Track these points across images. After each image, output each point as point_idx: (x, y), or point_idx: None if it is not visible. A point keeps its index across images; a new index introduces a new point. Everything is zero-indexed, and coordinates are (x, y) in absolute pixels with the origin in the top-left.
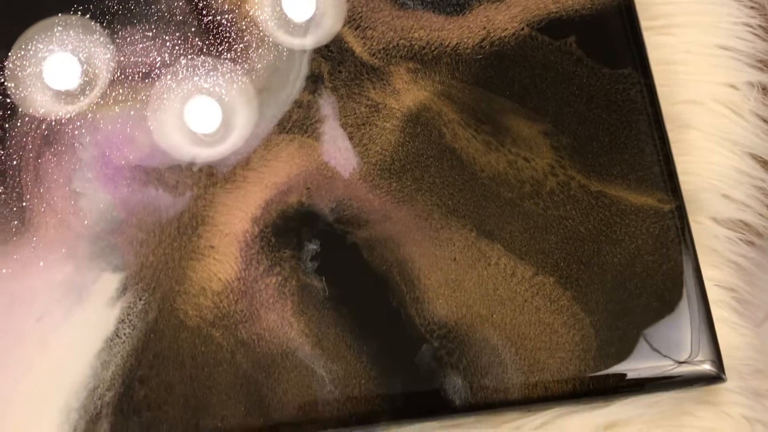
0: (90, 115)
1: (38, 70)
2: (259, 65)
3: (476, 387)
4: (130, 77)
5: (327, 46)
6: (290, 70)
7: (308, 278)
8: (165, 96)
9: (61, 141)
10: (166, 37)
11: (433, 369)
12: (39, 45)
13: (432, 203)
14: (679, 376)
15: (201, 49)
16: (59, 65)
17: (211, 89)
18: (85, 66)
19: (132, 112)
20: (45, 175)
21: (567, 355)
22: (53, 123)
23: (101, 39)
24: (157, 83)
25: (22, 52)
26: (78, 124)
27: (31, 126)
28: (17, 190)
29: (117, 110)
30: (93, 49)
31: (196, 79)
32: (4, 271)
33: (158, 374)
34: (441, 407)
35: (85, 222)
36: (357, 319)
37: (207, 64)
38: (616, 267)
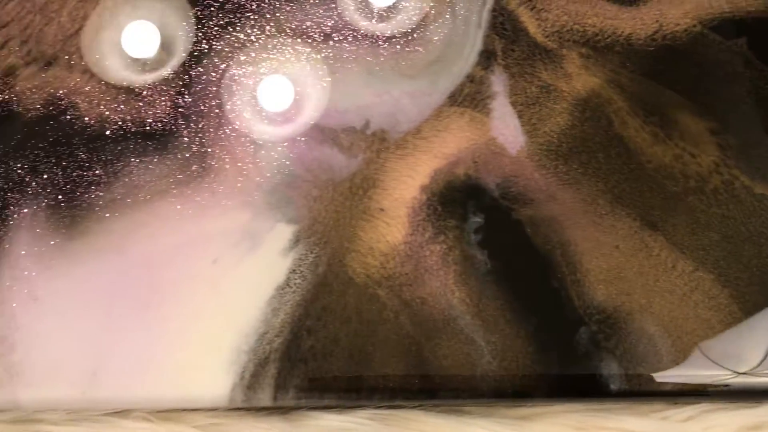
0: (270, 71)
1: None
2: (435, 37)
3: (631, 374)
4: (307, 35)
5: (502, 23)
6: (465, 44)
7: (471, 249)
8: (345, 58)
9: (243, 92)
10: (349, 1)
11: (590, 352)
12: None
13: (597, 189)
14: None
15: (380, 16)
16: None
17: (388, 56)
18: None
19: (313, 71)
20: (227, 124)
21: None
22: (235, 73)
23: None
24: (338, 45)
25: None
26: (262, 78)
27: (215, 75)
28: (199, 135)
29: (299, 69)
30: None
31: (375, 43)
32: (184, 212)
33: (325, 326)
34: (595, 390)
35: (263, 173)
36: (517, 294)
37: (385, 32)
38: None
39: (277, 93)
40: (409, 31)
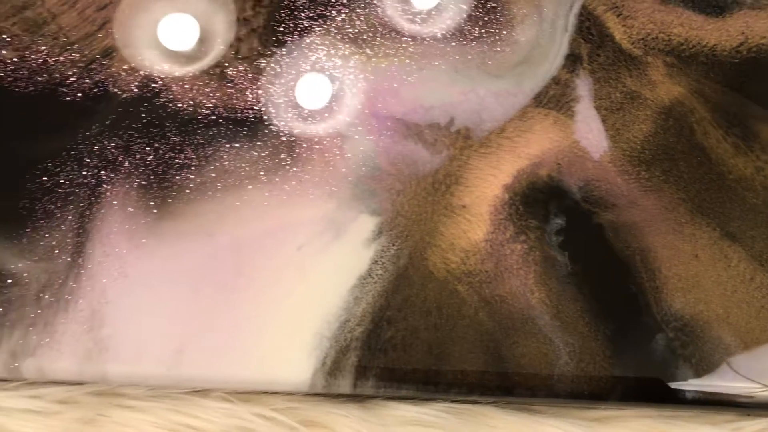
0: (360, 64)
1: None
2: (522, 38)
3: (706, 382)
4: (396, 32)
5: (588, 28)
6: (551, 47)
7: (552, 251)
8: (432, 55)
9: (333, 85)
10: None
11: (666, 358)
12: None
13: (678, 197)
14: None
15: (469, 16)
16: None
17: (475, 55)
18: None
19: (399, 68)
20: (315, 115)
21: None
22: (324, 66)
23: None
24: (425, 43)
25: None
26: (348, 71)
27: (305, 66)
28: (289, 125)
29: (386, 64)
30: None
31: (461, 42)
32: (272, 198)
33: (405, 318)
34: (669, 396)
35: (349, 165)
36: (596, 298)
37: (473, 31)
38: None
39: (361, 86)
40: (495, 30)
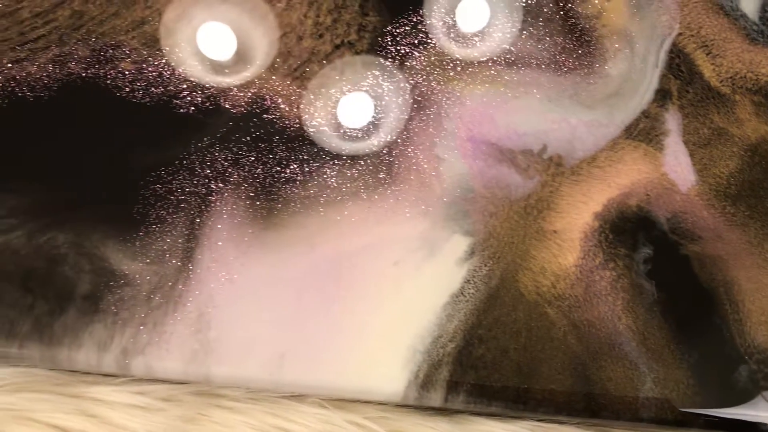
0: (458, 90)
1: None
2: (614, 72)
3: None
4: (498, 62)
5: (678, 65)
6: (641, 81)
7: (639, 279)
8: (527, 83)
9: (431, 109)
10: (533, 30)
11: (749, 390)
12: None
13: (764, 233)
14: None
15: (563, 48)
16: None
17: (568, 85)
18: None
19: (495, 94)
20: (413, 137)
21: None
22: (425, 90)
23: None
24: (521, 72)
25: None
26: (446, 96)
27: (405, 90)
28: (389, 145)
29: (482, 90)
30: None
31: (555, 73)
32: (370, 215)
33: (496, 337)
34: (751, 428)
35: (444, 186)
36: (681, 327)
37: (567, 63)
38: None
39: (457, 111)
40: (588, 63)
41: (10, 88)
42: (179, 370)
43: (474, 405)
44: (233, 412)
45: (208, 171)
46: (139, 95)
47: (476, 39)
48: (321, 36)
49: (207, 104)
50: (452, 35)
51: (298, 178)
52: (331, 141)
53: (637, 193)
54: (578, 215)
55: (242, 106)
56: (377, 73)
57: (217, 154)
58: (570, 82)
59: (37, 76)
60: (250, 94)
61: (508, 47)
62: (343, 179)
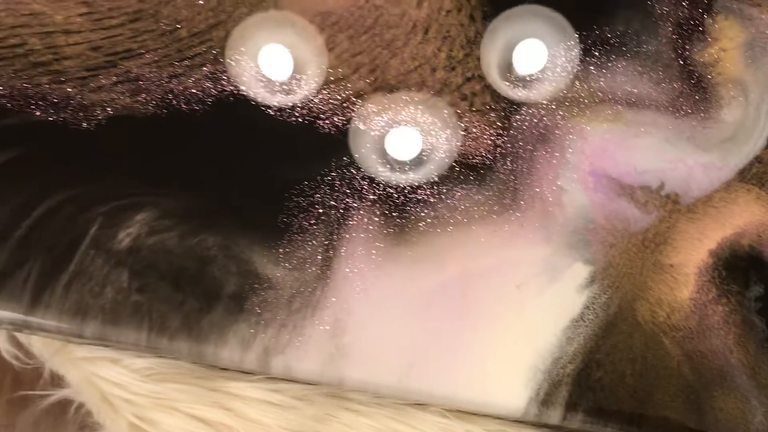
0: (580, 126)
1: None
2: (729, 118)
3: None
4: (615, 100)
5: None
6: (755, 128)
7: (751, 316)
8: (646, 124)
9: (555, 141)
10: (653, 75)
11: None
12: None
13: None
14: None
15: (681, 93)
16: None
17: (685, 128)
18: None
19: (616, 132)
20: (537, 166)
21: None
22: (550, 124)
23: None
24: (641, 112)
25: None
26: (570, 131)
27: (531, 121)
28: (514, 173)
29: (604, 127)
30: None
31: (673, 115)
32: (495, 238)
33: (613, 362)
34: None
35: (566, 215)
36: None
37: (685, 107)
38: None
39: (580, 145)
40: (704, 108)
41: (167, 100)
42: (316, 371)
43: (590, 425)
44: (359, 414)
45: (347, 188)
46: (286, 114)
47: (601, 78)
48: (453, 69)
49: (347, 126)
50: (578, 73)
51: (429, 199)
52: (462, 166)
53: (749, 233)
54: (693, 251)
55: (378, 129)
56: (504, 105)
57: (355, 172)
58: (687, 125)
59: (193, 91)
60: (386, 118)
61: (630, 89)
62: (470, 202)
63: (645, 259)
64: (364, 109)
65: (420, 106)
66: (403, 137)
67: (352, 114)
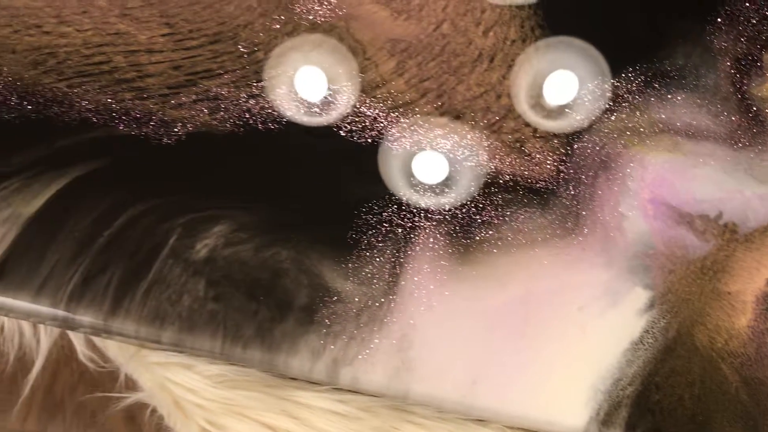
0: (640, 155)
1: None
2: None
3: None
4: (674, 131)
5: None
6: None
7: None
8: (705, 155)
9: (616, 169)
10: (711, 107)
11: None
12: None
13: None
14: None
15: (739, 125)
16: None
17: (743, 160)
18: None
19: (676, 162)
20: (599, 192)
21: None
22: (612, 152)
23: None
24: (699, 143)
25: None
26: (631, 159)
27: (593, 149)
28: (576, 198)
29: (664, 156)
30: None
31: (732, 147)
32: (557, 261)
33: (671, 386)
34: None
35: (627, 240)
36: None
37: (742, 139)
38: None
39: (641, 174)
40: (762, 142)
41: (244, 119)
42: (382, 384)
43: None
44: (422, 428)
45: (413, 207)
46: (356, 136)
47: (661, 109)
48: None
49: (415, 147)
50: (639, 104)
51: (493, 221)
52: (525, 190)
53: None
54: (751, 280)
55: (444, 152)
56: (567, 132)
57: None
58: (744, 157)
59: (269, 111)
60: (450, 143)
61: (689, 121)
62: (534, 226)
63: (703, 286)
64: (431, 133)
65: (484, 131)
66: (465, 161)
67: (420, 137)
